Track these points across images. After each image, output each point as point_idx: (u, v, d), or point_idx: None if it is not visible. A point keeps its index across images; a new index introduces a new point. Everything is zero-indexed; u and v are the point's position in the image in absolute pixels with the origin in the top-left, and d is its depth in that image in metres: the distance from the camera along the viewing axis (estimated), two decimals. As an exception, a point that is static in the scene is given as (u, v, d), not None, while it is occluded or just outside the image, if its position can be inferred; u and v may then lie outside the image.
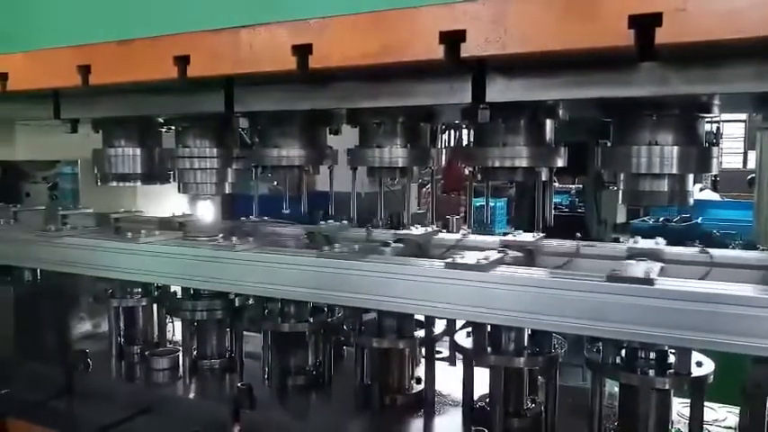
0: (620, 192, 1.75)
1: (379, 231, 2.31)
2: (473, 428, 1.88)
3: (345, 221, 2.42)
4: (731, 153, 19.10)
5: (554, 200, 2.04)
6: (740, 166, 18.66)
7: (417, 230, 2.18)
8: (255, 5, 1.72)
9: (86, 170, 3.62)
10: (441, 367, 2.15)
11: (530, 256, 1.97)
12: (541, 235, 2.03)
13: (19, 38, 2.14)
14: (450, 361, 2.33)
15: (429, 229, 2.19)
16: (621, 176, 1.72)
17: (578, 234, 2.08)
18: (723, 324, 1.39)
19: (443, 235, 2.22)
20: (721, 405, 2.00)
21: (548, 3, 1.36)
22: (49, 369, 2.51)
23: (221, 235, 2.21)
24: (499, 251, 1.88)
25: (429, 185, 2.30)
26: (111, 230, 2.64)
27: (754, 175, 6.98)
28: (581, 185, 10.61)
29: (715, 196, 10.91)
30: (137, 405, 2.25)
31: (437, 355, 2.13)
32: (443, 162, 2.33)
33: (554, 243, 2.01)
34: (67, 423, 2.23)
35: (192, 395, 2.32)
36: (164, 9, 1.87)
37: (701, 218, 8.22)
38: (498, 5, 1.40)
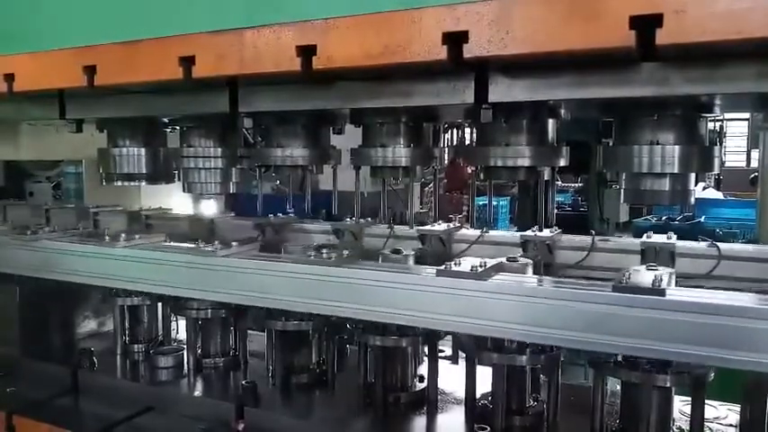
0: (622, 191, 1.76)
1: (401, 228, 2.31)
2: (475, 426, 1.89)
3: (369, 218, 2.42)
4: (734, 152, 19.07)
5: (557, 199, 2.05)
6: (743, 164, 18.62)
7: (440, 226, 2.19)
8: (260, 6, 1.73)
9: (91, 169, 3.63)
10: (443, 365, 2.16)
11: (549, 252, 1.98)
12: (558, 230, 2.05)
13: (25, 38, 2.16)
14: (453, 359, 2.34)
15: (451, 225, 2.21)
16: (623, 176, 1.73)
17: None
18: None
19: (464, 231, 2.21)
20: (722, 403, 2.01)
21: (550, 4, 1.37)
22: (55, 367, 2.53)
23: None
24: (509, 258, 1.87)
25: (432, 184, 2.30)
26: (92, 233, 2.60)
27: (756, 173, 6.97)
28: (584, 184, 10.61)
29: (718, 195, 10.90)
30: (142, 403, 2.27)
31: (440, 354, 2.14)
32: (446, 161, 2.34)
33: (572, 238, 2.02)
34: (74, 420, 2.25)
35: (196, 393, 2.33)
36: (168, 10, 1.88)
37: (703, 217, 8.21)
38: (500, 6, 1.41)
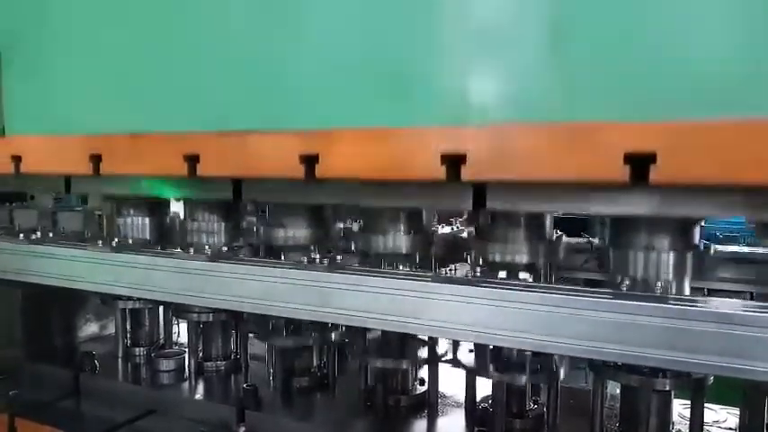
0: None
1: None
2: (476, 429, 1.90)
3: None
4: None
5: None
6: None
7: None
8: (265, 111, 1.76)
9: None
10: (444, 369, 2.17)
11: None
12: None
13: (35, 119, 2.20)
14: (454, 363, 2.35)
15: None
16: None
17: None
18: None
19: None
20: (722, 406, 2.02)
21: (547, 135, 1.40)
22: (57, 370, 2.54)
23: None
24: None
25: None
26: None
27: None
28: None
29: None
30: (144, 406, 2.29)
31: (440, 357, 2.14)
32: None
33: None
34: (75, 423, 2.26)
35: (198, 396, 2.34)
36: (176, 106, 1.92)
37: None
38: (499, 133, 1.44)
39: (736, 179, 1.24)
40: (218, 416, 2.18)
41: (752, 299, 1.89)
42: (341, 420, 2.10)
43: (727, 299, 1.45)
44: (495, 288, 1.57)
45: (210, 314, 2.40)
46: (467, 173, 1.47)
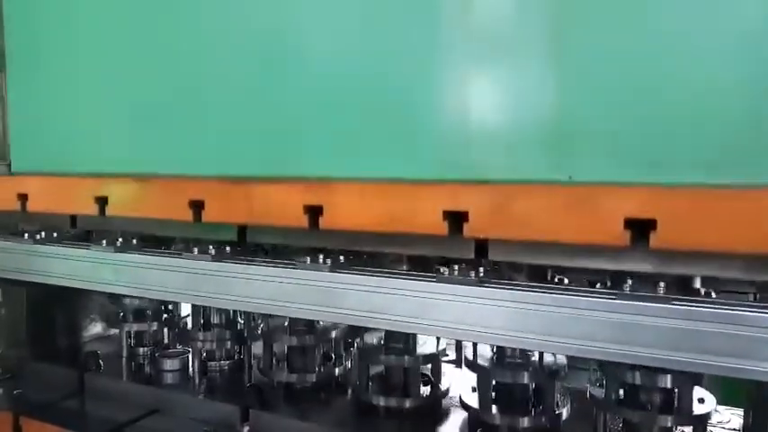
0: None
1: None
2: (478, 430, 1.90)
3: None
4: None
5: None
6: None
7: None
8: (270, 159, 1.80)
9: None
10: (447, 369, 2.17)
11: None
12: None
13: (42, 157, 2.24)
14: (456, 363, 2.35)
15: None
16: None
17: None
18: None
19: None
20: (726, 407, 2.01)
21: (548, 197, 1.41)
22: (62, 370, 2.55)
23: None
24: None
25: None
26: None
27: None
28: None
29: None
30: (148, 405, 2.29)
31: (443, 358, 2.15)
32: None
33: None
34: (79, 422, 2.27)
35: (201, 396, 2.34)
36: (181, 150, 1.95)
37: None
38: (501, 193, 1.46)
39: (735, 248, 1.26)
40: (222, 415, 2.18)
41: (755, 299, 1.88)
42: (343, 419, 2.10)
43: (730, 299, 1.45)
44: (498, 288, 1.57)
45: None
46: (468, 229, 1.49)
